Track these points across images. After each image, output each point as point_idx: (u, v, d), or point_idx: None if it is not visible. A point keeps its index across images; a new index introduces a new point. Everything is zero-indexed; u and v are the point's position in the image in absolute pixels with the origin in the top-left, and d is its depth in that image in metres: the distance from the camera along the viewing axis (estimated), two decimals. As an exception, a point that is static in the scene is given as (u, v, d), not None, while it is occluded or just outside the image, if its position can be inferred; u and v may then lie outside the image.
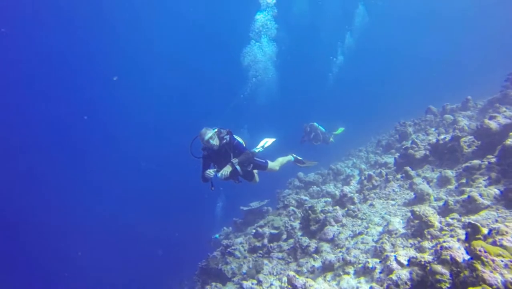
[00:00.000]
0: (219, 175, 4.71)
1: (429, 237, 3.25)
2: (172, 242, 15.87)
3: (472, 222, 2.63)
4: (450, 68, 26.32)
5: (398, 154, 6.78)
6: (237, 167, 4.87)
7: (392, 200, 5.12)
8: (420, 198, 4.59)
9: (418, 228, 3.48)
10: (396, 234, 3.71)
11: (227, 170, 4.71)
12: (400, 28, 36.33)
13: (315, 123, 10.36)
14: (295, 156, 6.40)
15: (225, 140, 4.90)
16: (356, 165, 9.31)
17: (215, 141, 4.77)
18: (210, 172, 4.65)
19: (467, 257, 2.21)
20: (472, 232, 2.58)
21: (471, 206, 3.60)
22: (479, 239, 2.48)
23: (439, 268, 2.28)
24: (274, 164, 5.76)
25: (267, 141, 6.00)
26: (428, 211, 3.46)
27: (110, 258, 16.97)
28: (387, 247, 3.41)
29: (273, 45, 17.73)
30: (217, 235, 7.17)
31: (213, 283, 4.89)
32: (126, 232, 19.83)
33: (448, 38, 32.24)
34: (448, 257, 2.28)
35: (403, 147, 6.53)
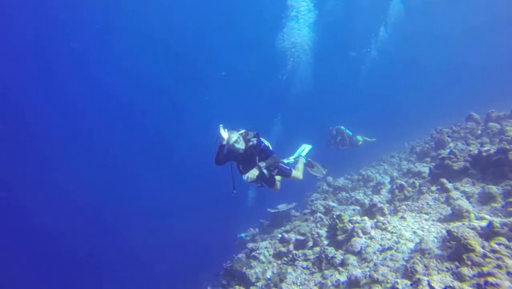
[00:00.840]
0: (244, 178, 4.49)
1: (469, 263, 2.86)
2: (198, 239, 15.93)
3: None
4: (496, 72, 23.82)
5: (433, 164, 6.22)
6: (264, 171, 4.68)
7: (426, 214, 4.67)
8: (458, 214, 4.13)
9: (455, 251, 3.09)
10: (429, 254, 3.34)
11: (253, 173, 4.48)
12: (439, 25, 33.29)
13: (342, 127, 9.95)
14: (308, 159, 6.13)
15: (251, 143, 4.69)
16: (388, 171, 8.74)
17: (241, 145, 4.54)
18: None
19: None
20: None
21: (521, 231, 3.13)
22: (532, 275, 2.11)
23: (481, 306, 1.96)
24: (298, 173, 5.54)
25: (305, 148, 5.82)
26: (468, 233, 3.06)
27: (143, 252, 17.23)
28: (419, 268, 3.07)
29: (310, 30, 17.42)
30: (243, 235, 7.06)
31: (237, 286, 4.81)
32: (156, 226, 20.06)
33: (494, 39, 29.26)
34: (494, 295, 1.96)
35: (440, 156, 5.96)
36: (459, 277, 2.76)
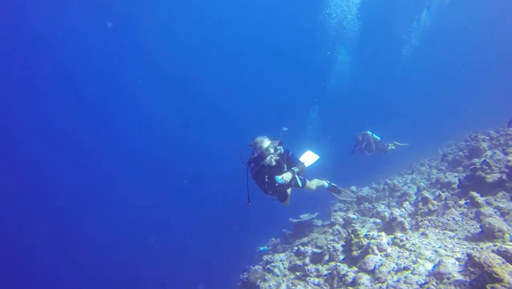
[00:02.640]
0: (279, 178, 4.31)
1: (492, 295, 2.37)
2: (215, 251, 15.56)
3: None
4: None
5: (464, 174, 5.48)
6: (297, 177, 4.45)
7: (451, 230, 4.07)
8: (489, 234, 3.53)
9: (479, 278, 2.60)
10: (448, 279, 2.86)
11: (288, 176, 4.32)
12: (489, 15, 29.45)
13: (369, 132, 9.25)
14: (330, 182, 5.72)
15: (279, 151, 4.51)
16: (416, 181, 7.93)
17: (271, 156, 4.35)
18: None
19: None
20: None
21: None
22: None
23: None
24: (312, 183, 5.21)
25: (308, 159, 5.49)
26: (493, 259, 2.56)
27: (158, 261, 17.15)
28: (435, 296, 2.63)
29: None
30: (262, 248, 6.70)
31: None
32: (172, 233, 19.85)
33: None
34: None
35: (471, 167, 5.23)
36: (480, 311, 2.30)
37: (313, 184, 5.39)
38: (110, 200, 27.84)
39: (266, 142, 4.33)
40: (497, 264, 2.54)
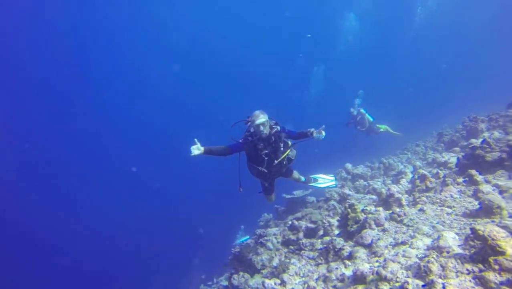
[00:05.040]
0: (319, 135, 4.12)
1: (496, 267, 2.36)
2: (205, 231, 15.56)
3: None
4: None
5: (462, 154, 5.47)
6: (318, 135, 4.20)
7: (449, 207, 4.08)
8: (487, 210, 3.54)
9: (480, 252, 2.59)
10: (448, 252, 2.86)
11: (320, 130, 4.17)
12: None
13: (362, 110, 9.34)
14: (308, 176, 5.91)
15: (275, 130, 4.27)
16: (411, 160, 7.97)
17: (266, 130, 4.13)
18: (193, 149, 3.79)
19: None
20: None
21: None
22: None
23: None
24: (297, 174, 5.21)
25: (326, 182, 5.60)
26: (497, 232, 2.53)
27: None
28: (435, 268, 2.61)
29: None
30: (240, 240, 6.29)
31: (241, 273, 4.60)
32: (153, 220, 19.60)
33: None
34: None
35: (470, 146, 5.21)
36: (483, 283, 2.29)
37: (295, 174, 5.38)
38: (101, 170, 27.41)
39: (262, 118, 4.11)
40: (501, 237, 2.52)
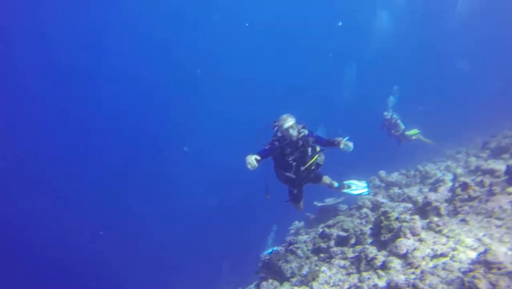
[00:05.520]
0: (347, 147, 4.03)
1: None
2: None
3: None
4: None
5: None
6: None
7: (498, 219, 3.75)
8: (542, 223, 3.19)
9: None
10: (499, 268, 2.61)
11: (348, 142, 4.08)
12: None
13: (395, 115, 9.14)
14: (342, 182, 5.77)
15: (303, 134, 4.23)
16: (451, 168, 7.42)
17: (295, 132, 4.10)
18: (252, 162, 3.60)
19: None
20: None
21: None
22: None
23: None
24: (326, 178, 5.08)
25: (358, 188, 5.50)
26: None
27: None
28: (482, 285, 2.40)
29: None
30: (266, 252, 6.19)
31: (270, 280, 4.55)
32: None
33: None
34: None
35: (522, 152, 4.75)
36: (538, 302, 2.05)
37: (327, 179, 5.27)
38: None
39: (290, 121, 4.08)
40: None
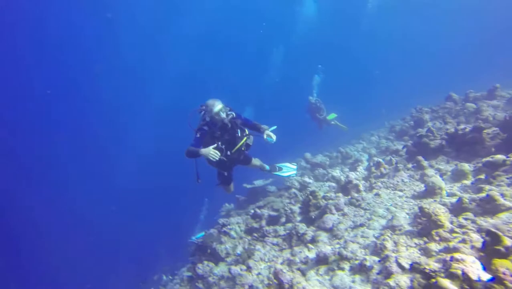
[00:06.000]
0: (270, 139, 4.27)
1: (437, 238, 2.84)
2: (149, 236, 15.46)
3: (492, 229, 2.19)
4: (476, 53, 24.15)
5: (411, 142, 6.22)
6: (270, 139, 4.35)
7: (400, 190, 4.67)
8: (431, 191, 4.13)
9: (425, 227, 3.07)
10: (400, 230, 3.31)
11: (272, 133, 4.36)
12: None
13: (319, 100, 10.23)
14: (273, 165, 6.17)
15: (231, 116, 4.33)
16: (366, 149, 8.76)
17: (224, 115, 4.19)
18: (216, 153, 3.85)
19: (483, 274, 1.81)
20: (492, 241, 2.15)
21: (489, 206, 3.13)
22: (500, 251, 2.05)
23: (447, 283, 1.88)
24: (256, 160, 5.45)
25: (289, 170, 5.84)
26: (438, 209, 3.02)
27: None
28: (389, 245, 3.03)
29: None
30: (194, 237, 6.33)
31: (205, 262, 4.70)
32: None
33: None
34: (460, 272, 1.89)
35: (417, 135, 5.96)
36: (426, 253, 2.73)
37: (257, 161, 5.60)
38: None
39: (218, 104, 4.17)
40: (442, 212, 3.02)
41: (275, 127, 5.14)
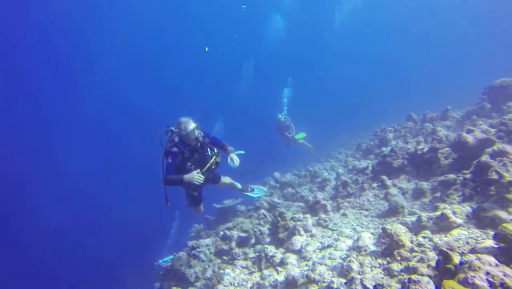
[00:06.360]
0: (233, 164, 4.42)
1: (398, 258, 3.05)
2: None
3: (444, 249, 2.44)
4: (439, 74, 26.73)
5: (376, 161, 6.66)
6: (229, 163, 4.50)
7: (366, 210, 4.95)
8: (394, 210, 4.44)
9: (388, 247, 3.28)
10: (365, 251, 3.51)
11: (236, 158, 4.51)
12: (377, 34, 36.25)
13: (288, 118, 10.55)
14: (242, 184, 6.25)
15: (200, 135, 4.37)
16: (334, 168, 9.17)
17: (196, 134, 4.21)
18: (200, 177, 4.07)
19: (436, 293, 2.01)
20: (443, 260, 2.39)
21: (443, 224, 3.45)
22: (450, 269, 2.29)
23: (405, 304, 2.06)
24: (226, 178, 5.54)
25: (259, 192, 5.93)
26: (399, 229, 3.27)
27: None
28: (354, 266, 3.19)
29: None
30: (161, 261, 6.22)
31: (174, 288, 4.57)
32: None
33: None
34: (416, 292, 2.07)
35: (381, 154, 6.40)
36: (389, 273, 2.92)
37: (227, 179, 5.67)
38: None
39: (192, 123, 4.20)
40: (402, 232, 3.27)
41: (242, 152, 5.30)
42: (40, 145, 29.43)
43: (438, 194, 4.39)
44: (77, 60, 32.18)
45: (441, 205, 3.95)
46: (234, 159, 4.46)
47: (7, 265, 15.95)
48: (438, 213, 3.66)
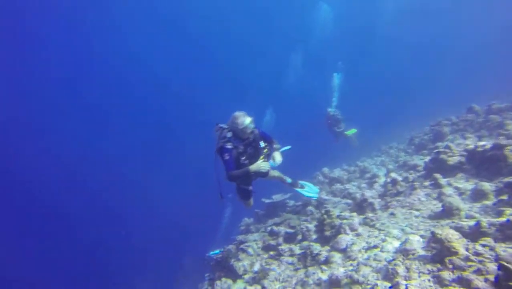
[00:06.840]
0: (273, 163, 4.37)
1: (450, 266, 2.75)
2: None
3: (505, 263, 2.12)
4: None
5: (429, 157, 6.04)
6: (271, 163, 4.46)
7: (417, 210, 4.55)
8: (448, 212, 4.01)
9: (439, 253, 2.98)
10: (413, 254, 3.24)
11: (279, 157, 4.49)
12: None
13: (338, 111, 10.10)
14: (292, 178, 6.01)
15: (254, 128, 4.34)
16: (385, 163, 8.57)
17: (253, 128, 4.19)
18: (267, 163, 4.07)
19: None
20: (504, 275, 2.08)
21: (510, 232, 3.00)
22: None
23: (452, 320, 1.85)
24: (275, 172, 5.43)
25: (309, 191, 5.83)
26: (452, 235, 2.94)
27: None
28: (400, 270, 2.98)
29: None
30: (212, 252, 6.23)
31: (223, 279, 4.79)
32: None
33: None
34: (465, 308, 1.85)
35: (435, 150, 5.78)
36: (439, 281, 2.66)
37: (276, 172, 5.56)
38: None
39: (248, 118, 4.09)
40: (455, 239, 2.93)
41: (288, 147, 5.20)
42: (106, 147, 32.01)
43: (504, 197, 3.82)
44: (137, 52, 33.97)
45: (508, 210, 3.43)
46: (276, 157, 4.37)
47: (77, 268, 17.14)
48: (503, 218, 3.20)
